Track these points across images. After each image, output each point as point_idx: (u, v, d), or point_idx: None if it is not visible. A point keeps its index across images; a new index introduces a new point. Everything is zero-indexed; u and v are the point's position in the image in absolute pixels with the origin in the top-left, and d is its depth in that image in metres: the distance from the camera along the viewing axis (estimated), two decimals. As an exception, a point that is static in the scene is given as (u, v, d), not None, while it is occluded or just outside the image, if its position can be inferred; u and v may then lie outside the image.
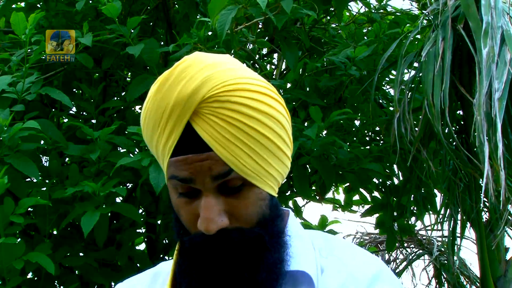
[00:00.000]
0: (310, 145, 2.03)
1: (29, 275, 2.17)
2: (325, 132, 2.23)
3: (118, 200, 2.20)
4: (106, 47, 2.18)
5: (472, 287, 3.97)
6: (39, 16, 1.94)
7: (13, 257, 1.74)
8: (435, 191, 2.53)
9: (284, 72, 2.72)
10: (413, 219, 2.67)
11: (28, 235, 2.20)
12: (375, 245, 4.33)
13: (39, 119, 1.92)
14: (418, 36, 2.40)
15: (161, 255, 2.51)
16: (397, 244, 2.98)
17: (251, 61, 2.48)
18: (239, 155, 0.69)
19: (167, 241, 2.57)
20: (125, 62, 2.36)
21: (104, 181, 1.87)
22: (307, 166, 2.27)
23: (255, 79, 0.74)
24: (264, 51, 2.78)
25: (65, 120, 2.39)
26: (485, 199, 2.19)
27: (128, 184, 2.38)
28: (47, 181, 2.07)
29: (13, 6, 2.34)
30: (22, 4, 2.37)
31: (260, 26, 2.39)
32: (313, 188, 2.55)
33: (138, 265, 2.36)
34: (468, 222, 2.34)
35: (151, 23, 2.50)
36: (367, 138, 2.63)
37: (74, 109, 2.48)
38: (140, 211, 2.53)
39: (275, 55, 2.92)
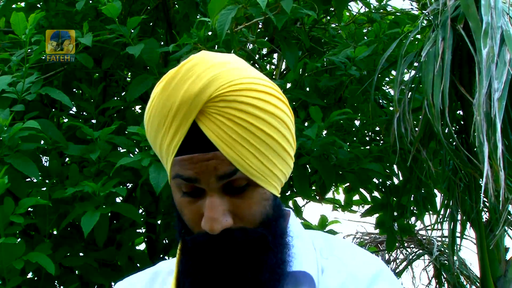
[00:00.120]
0: (310, 145, 2.03)
1: (29, 275, 2.17)
2: (325, 132, 2.24)
3: (118, 200, 2.20)
4: (106, 47, 2.18)
5: (472, 287, 3.97)
6: (39, 16, 1.94)
7: (13, 257, 1.74)
8: (435, 191, 2.53)
9: (284, 72, 2.72)
10: (413, 219, 2.67)
11: (28, 235, 2.20)
12: (375, 245, 4.33)
13: (39, 119, 1.92)
14: (418, 36, 2.40)
15: (161, 255, 2.51)
16: (397, 244, 2.98)
17: (251, 61, 2.48)
18: (245, 155, 0.69)
19: (167, 241, 2.57)
20: (125, 62, 2.36)
21: (104, 181, 1.87)
22: (307, 166, 2.27)
23: (261, 79, 0.74)
24: (264, 51, 2.78)
25: (65, 120, 2.39)
26: (485, 199, 2.19)
27: (128, 184, 2.38)
28: (47, 181, 2.07)
29: (13, 6, 2.34)
30: (22, 4, 2.37)
31: (260, 26, 2.39)
32: (313, 188, 2.55)
33: (138, 265, 2.36)
34: (468, 222, 2.34)
35: (151, 23, 2.50)
36: (367, 138, 2.63)
37: (74, 109, 2.48)
38: (140, 211, 2.53)
39: (275, 55, 2.92)
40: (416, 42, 2.42)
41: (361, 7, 2.81)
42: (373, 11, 2.65)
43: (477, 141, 1.74)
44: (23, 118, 1.99)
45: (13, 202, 1.74)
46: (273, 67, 2.94)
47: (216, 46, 1.97)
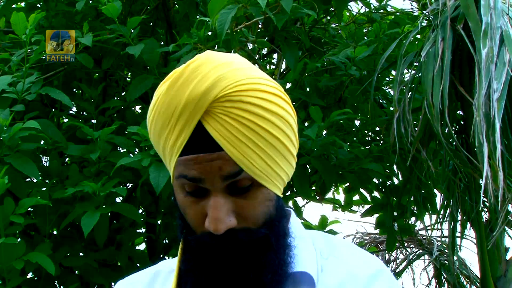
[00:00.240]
0: (310, 145, 2.03)
1: (29, 275, 2.17)
2: (325, 132, 2.24)
3: (118, 200, 2.20)
4: (106, 47, 2.18)
5: (472, 287, 3.97)
6: (39, 16, 1.94)
7: (13, 257, 1.74)
8: (435, 191, 2.53)
9: (284, 72, 2.71)
10: (413, 219, 2.68)
11: (28, 235, 2.20)
12: (375, 245, 4.33)
13: (39, 119, 1.92)
14: (418, 36, 2.41)
15: (161, 255, 2.51)
16: (397, 244, 2.98)
17: (251, 61, 2.48)
18: (250, 156, 0.69)
19: (167, 241, 2.57)
20: (125, 62, 2.36)
21: (104, 181, 1.87)
22: (307, 166, 2.27)
23: (265, 79, 0.74)
24: (264, 51, 2.78)
25: (65, 120, 2.39)
26: (485, 199, 2.19)
27: (128, 184, 2.38)
28: (47, 181, 2.07)
29: (13, 6, 2.34)
30: (22, 4, 2.37)
31: (260, 26, 2.39)
32: (313, 188, 2.55)
33: (138, 265, 2.36)
34: (468, 222, 2.34)
35: (151, 23, 2.50)
36: (367, 138, 2.63)
37: (74, 109, 2.48)
38: (140, 211, 2.53)
39: (275, 55, 2.92)
40: (416, 42, 2.42)
41: (361, 7, 2.81)
42: (373, 11, 2.65)
43: (477, 141, 1.74)
44: (23, 118, 1.99)
45: (13, 202, 1.74)
46: (273, 67, 2.94)
47: (216, 46, 1.97)
